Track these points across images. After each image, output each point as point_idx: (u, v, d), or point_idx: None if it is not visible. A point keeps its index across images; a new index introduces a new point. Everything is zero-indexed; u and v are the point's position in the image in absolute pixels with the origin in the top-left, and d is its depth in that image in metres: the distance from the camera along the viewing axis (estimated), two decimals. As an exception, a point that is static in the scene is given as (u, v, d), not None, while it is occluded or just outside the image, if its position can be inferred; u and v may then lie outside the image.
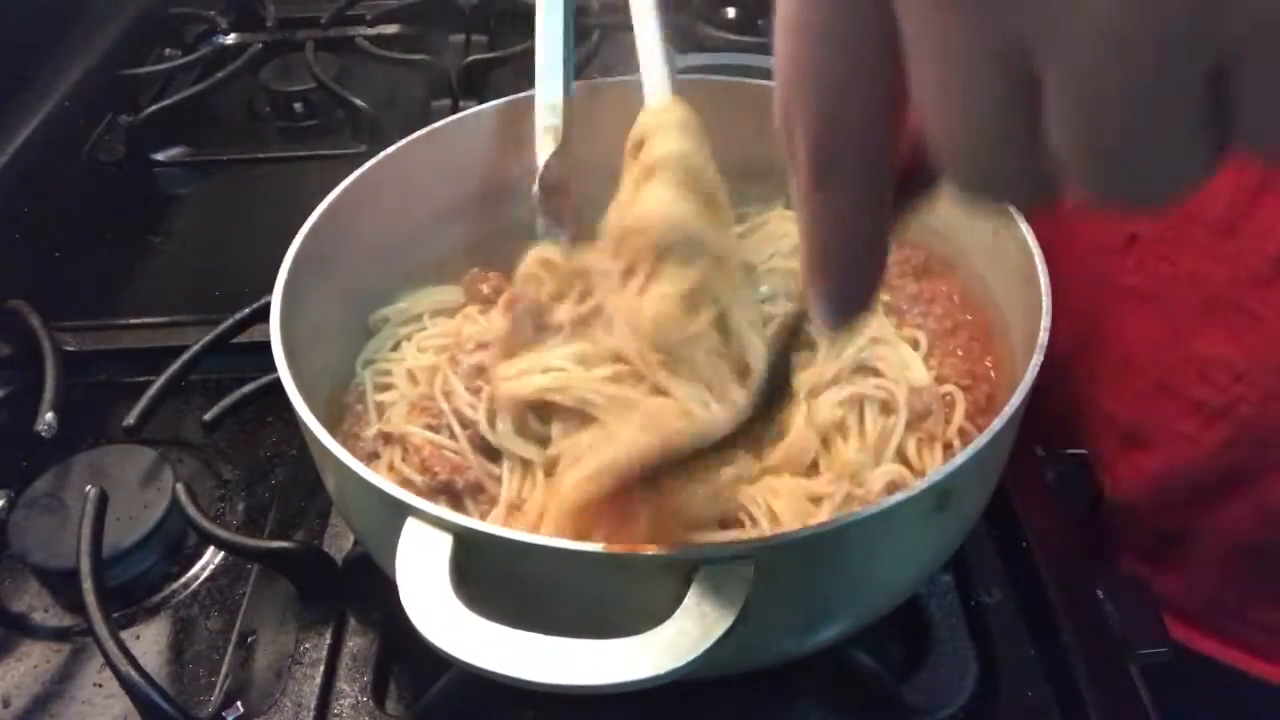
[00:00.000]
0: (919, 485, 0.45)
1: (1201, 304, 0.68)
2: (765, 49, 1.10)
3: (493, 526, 0.44)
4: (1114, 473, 0.77)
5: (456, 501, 0.57)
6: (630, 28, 0.67)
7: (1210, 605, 0.77)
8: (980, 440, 0.47)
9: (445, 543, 0.43)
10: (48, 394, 0.71)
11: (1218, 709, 0.79)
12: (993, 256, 0.62)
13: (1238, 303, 0.66)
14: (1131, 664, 0.57)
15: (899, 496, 0.44)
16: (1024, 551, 0.61)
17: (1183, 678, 0.61)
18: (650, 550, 0.44)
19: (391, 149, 0.67)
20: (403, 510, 0.45)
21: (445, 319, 0.68)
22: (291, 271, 0.58)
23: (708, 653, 0.40)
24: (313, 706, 0.55)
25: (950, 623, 0.60)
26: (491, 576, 0.44)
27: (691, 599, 0.41)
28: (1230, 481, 0.71)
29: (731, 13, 1.24)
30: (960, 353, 0.64)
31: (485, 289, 0.68)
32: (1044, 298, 0.53)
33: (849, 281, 0.32)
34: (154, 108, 1.07)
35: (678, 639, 0.40)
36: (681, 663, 0.39)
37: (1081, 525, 0.69)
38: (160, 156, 1.07)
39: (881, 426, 0.58)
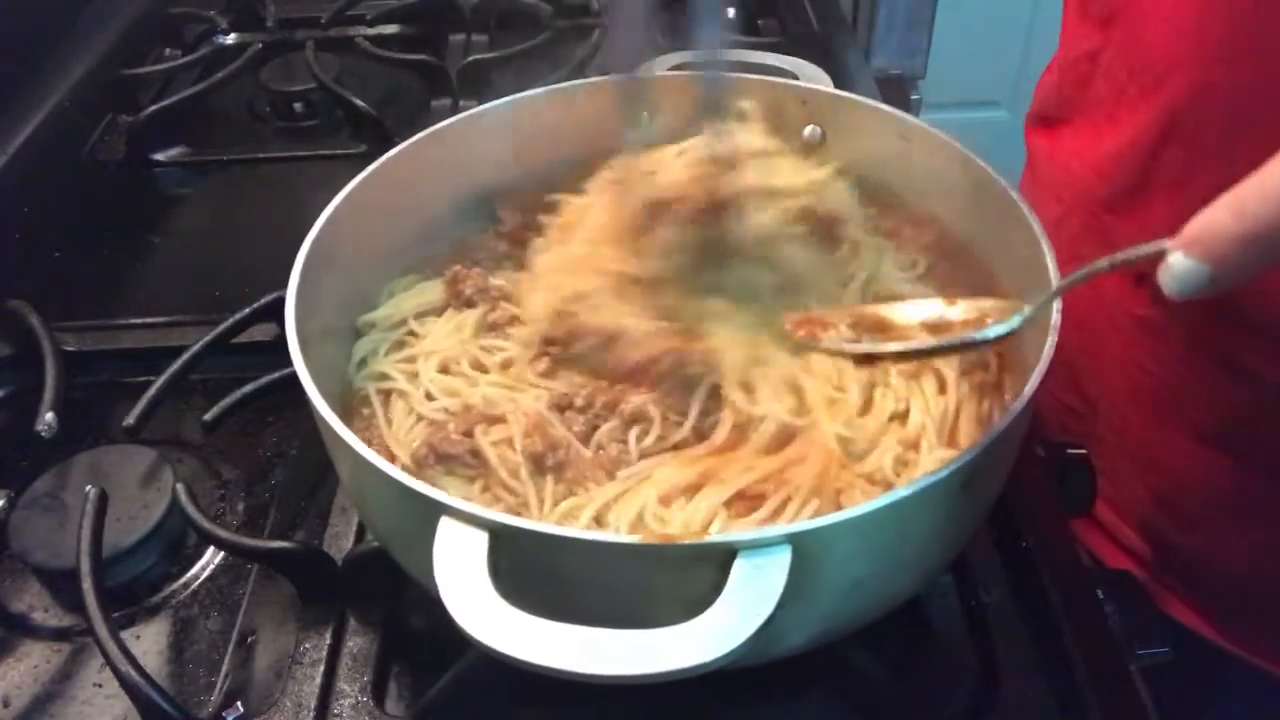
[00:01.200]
0: (948, 466, 0.45)
1: (1191, 348, 0.68)
2: (764, 48, 1.10)
3: (529, 522, 0.44)
4: (1116, 483, 0.76)
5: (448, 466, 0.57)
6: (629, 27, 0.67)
7: (1216, 606, 0.76)
8: (1004, 420, 0.48)
9: (481, 540, 0.43)
10: (48, 394, 0.71)
11: (1221, 697, 0.79)
12: (1002, 247, 0.63)
13: (1225, 355, 0.66)
14: (1131, 664, 0.57)
15: (930, 478, 0.45)
16: (1024, 551, 0.61)
17: (1188, 666, 0.61)
18: (687, 539, 0.44)
19: (394, 151, 0.67)
20: (436, 509, 0.44)
21: (432, 319, 0.67)
22: (305, 269, 0.57)
23: (752, 639, 0.40)
24: (313, 706, 0.55)
25: (950, 623, 0.60)
26: (527, 571, 0.44)
27: (732, 586, 0.41)
28: (1242, 511, 0.71)
29: (731, 12, 1.24)
30: None
31: (467, 290, 0.67)
32: (1052, 277, 0.53)
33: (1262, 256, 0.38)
34: (154, 108, 1.07)
35: (721, 626, 0.40)
36: (727, 650, 0.39)
37: (1081, 525, 0.69)
38: (160, 156, 1.07)
39: (944, 407, 0.58)
